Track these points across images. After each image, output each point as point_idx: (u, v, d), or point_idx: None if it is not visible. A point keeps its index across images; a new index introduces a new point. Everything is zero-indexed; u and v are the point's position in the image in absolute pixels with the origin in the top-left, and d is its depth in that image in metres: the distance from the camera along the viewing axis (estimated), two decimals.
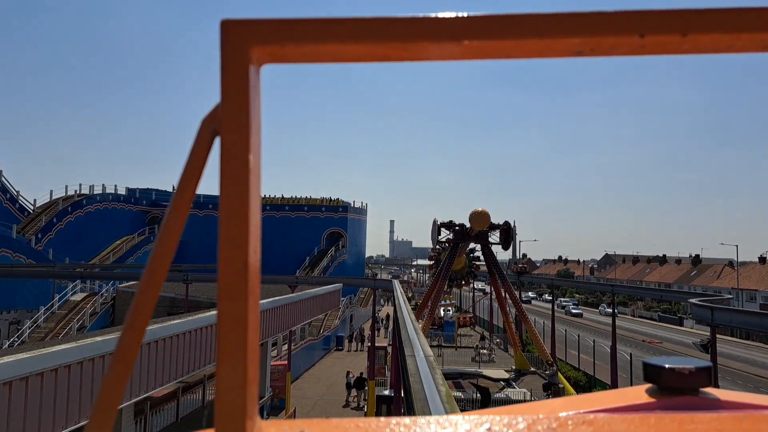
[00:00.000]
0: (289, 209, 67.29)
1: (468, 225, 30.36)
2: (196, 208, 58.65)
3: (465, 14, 0.48)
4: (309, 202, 69.39)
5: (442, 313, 39.97)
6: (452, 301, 56.13)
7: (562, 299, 74.78)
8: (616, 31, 0.47)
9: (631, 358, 27.73)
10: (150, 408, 17.08)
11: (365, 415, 24.63)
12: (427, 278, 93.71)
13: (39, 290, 37.59)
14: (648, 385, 1.01)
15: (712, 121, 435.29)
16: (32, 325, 33.51)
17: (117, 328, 15.44)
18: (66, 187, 53.00)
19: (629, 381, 26.59)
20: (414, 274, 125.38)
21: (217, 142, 0.51)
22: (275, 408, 25.62)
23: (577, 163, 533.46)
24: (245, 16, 0.50)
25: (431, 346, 9.43)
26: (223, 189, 0.49)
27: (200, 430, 0.69)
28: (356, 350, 42.59)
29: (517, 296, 32.53)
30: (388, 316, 49.59)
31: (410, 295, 62.54)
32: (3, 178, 44.97)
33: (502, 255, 33.96)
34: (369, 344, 29.67)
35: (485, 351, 32.36)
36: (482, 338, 37.45)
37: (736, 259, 66.54)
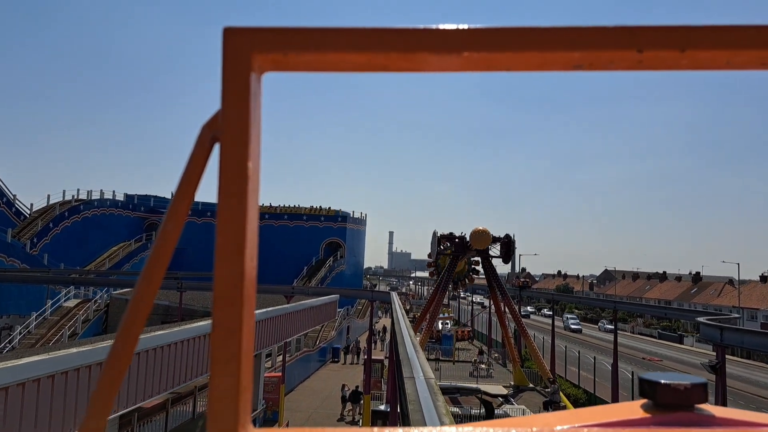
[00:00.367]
0: (287, 218, 66.96)
1: (468, 238, 30.30)
2: (194, 215, 58.37)
3: (465, 26, 0.48)
4: (308, 211, 69.05)
5: (440, 326, 39.57)
6: (450, 315, 55.70)
7: (570, 317, 73.68)
8: (614, 46, 0.48)
9: (633, 376, 27.22)
10: (137, 420, 16.53)
11: None
12: (426, 290, 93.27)
13: (32, 296, 37.10)
14: (644, 401, 0.99)
15: (714, 137, 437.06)
16: (23, 332, 32.98)
17: (101, 338, 15.01)
18: (63, 191, 52.59)
19: (630, 399, 26.07)
20: (412, 286, 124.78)
21: (216, 148, 0.51)
22: (268, 421, 25.21)
23: (578, 178, 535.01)
24: (248, 24, 0.50)
25: (428, 360, 8.98)
26: (221, 196, 0.49)
27: None
28: (352, 363, 42.03)
29: (517, 311, 32.12)
30: (384, 328, 49.06)
31: (408, 307, 62.04)
32: None
33: (501, 268, 33.61)
34: (365, 357, 29.20)
35: (483, 366, 31.93)
36: (480, 353, 37.02)
37: (737, 278, 66.12)
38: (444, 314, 45.95)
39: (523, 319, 33.13)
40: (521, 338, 31.72)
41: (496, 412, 20.22)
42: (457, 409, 20.96)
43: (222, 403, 0.47)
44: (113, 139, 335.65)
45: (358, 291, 48.98)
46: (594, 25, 0.48)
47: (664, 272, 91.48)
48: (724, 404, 13.68)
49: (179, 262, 50.17)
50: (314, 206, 70.57)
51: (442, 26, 0.48)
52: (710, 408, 0.96)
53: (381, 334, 49.87)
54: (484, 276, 32.78)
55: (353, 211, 72.93)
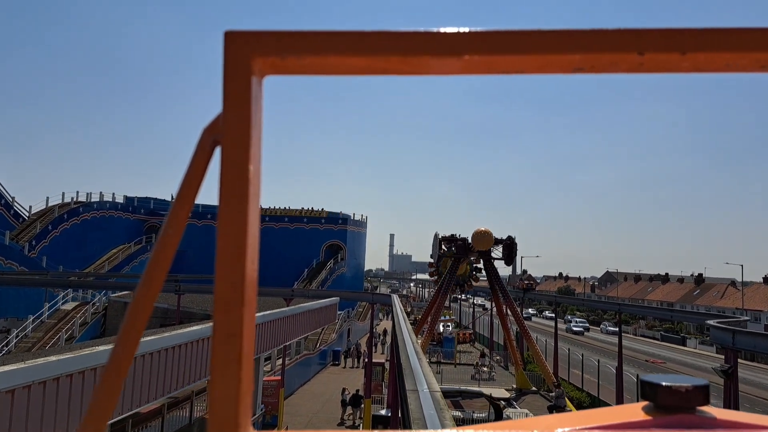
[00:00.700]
0: (288, 220, 66.68)
1: (470, 240, 29.98)
2: (194, 218, 58.08)
3: (466, 29, 0.48)
4: (309, 213, 68.71)
5: (441, 328, 39.22)
6: (452, 317, 55.32)
7: (575, 319, 73.26)
8: (615, 49, 0.47)
9: (637, 379, 26.84)
10: (132, 426, 16.19)
11: None
12: (427, 293, 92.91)
13: (30, 298, 36.79)
14: (644, 403, 0.98)
15: (716, 138, 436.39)
16: (20, 335, 32.64)
17: (94, 342, 14.71)
18: (63, 194, 52.29)
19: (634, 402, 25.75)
20: (413, 288, 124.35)
21: (217, 152, 0.51)
22: (267, 425, 24.97)
23: (579, 179, 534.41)
24: (249, 27, 0.51)
25: (429, 363, 8.59)
26: (222, 199, 0.49)
27: None
28: (353, 366, 41.65)
29: (519, 313, 31.76)
30: (385, 330, 48.67)
31: (409, 309, 61.68)
32: None
33: (502, 271, 33.28)
34: (366, 360, 28.87)
35: (485, 368, 31.56)
36: (482, 355, 36.65)
37: (741, 279, 65.74)
38: (445, 316, 45.58)
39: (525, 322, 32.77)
40: (523, 341, 31.36)
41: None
42: (459, 413, 20.64)
43: (222, 406, 0.46)
44: (113, 142, 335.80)
45: (359, 293, 48.68)
46: (595, 27, 0.48)
47: (667, 274, 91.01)
48: (736, 410, 13.29)
49: (179, 264, 49.88)
50: (311, 208, 70.21)
51: (442, 29, 0.48)
52: (712, 410, 0.95)
53: (382, 337, 49.51)
54: (485, 278, 32.45)
55: (354, 214, 72.71)
